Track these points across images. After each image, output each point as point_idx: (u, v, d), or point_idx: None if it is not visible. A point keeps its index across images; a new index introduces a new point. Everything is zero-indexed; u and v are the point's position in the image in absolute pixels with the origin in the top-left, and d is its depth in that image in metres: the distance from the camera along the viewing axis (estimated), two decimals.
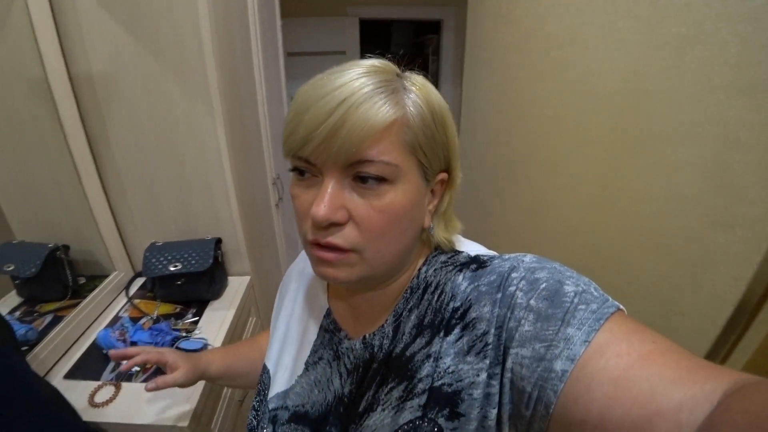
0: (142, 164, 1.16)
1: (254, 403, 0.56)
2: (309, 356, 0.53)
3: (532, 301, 0.36)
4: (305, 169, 0.39)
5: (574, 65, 0.92)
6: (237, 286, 1.26)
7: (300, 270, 0.61)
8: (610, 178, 0.82)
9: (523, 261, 0.41)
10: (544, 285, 0.37)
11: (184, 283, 1.11)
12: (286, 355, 0.55)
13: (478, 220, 1.70)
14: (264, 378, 0.57)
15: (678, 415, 0.26)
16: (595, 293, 0.36)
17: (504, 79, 1.35)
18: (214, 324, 1.07)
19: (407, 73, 0.41)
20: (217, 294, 1.18)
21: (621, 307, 0.35)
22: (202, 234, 1.24)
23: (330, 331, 0.52)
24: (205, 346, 0.93)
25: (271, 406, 0.53)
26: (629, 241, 0.77)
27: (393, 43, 4.31)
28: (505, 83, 1.35)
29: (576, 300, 0.35)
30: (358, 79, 0.36)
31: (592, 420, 0.29)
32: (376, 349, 0.46)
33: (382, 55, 0.42)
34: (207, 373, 0.69)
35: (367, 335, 0.47)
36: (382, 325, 0.47)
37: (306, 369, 0.53)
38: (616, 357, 0.30)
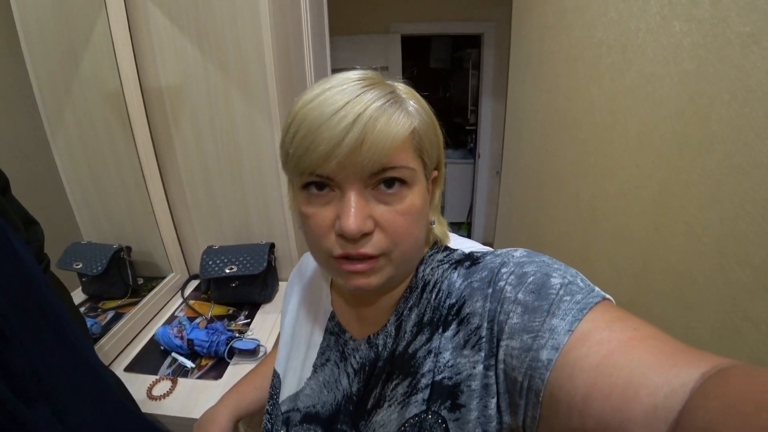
0: (203, 171, 1.22)
1: (267, 406, 0.58)
2: (316, 358, 0.54)
3: (520, 295, 0.37)
4: (326, 183, 0.39)
5: (629, 71, 0.90)
6: None
7: (301, 275, 0.62)
8: (670, 183, 0.79)
9: (513, 256, 0.42)
10: (531, 278, 0.38)
11: (238, 285, 1.15)
12: (294, 359, 0.57)
13: (525, 232, 1.67)
14: (275, 382, 0.58)
15: (653, 399, 0.26)
16: (581, 284, 0.36)
17: (552, 89, 1.34)
18: (266, 326, 1.10)
19: (390, 82, 0.42)
20: (268, 297, 1.21)
21: (608, 297, 0.36)
22: (256, 239, 1.29)
23: (335, 334, 0.53)
24: (258, 347, 0.96)
25: (283, 408, 0.55)
26: (693, 246, 0.74)
27: (432, 57, 4.33)
28: (553, 93, 1.33)
29: (562, 291, 0.35)
30: (364, 93, 0.37)
31: (577, 406, 0.30)
32: (380, 348, 0.48)
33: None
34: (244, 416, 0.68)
35: (372, 335, 0.49)
36: (385, 325, 0.48)
37: (314, 371, 0.54)
38: (597, 345, 0.31)
